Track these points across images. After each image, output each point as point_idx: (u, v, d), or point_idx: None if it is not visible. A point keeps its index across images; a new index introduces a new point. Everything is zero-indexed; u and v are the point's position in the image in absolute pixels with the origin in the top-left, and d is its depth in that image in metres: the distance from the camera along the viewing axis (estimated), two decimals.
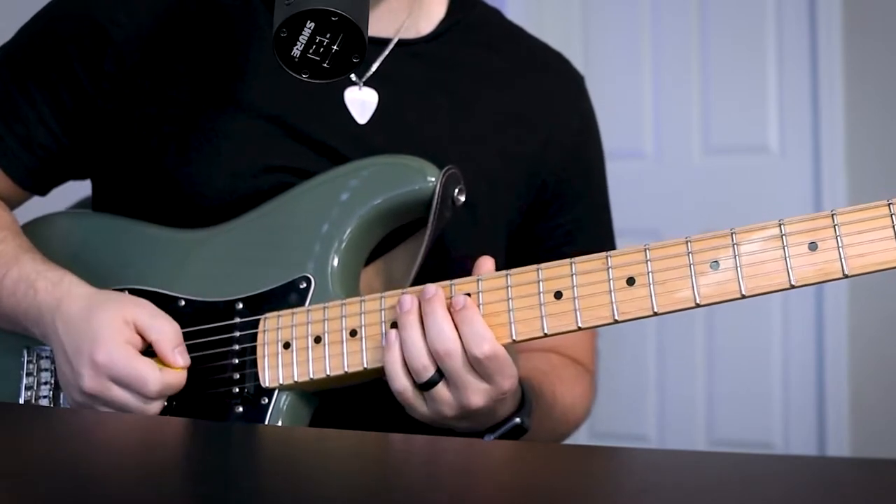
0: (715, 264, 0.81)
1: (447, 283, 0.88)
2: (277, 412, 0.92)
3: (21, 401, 1.00)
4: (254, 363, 0.93)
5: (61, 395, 0.99)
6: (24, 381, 1.00)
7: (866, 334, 2.51)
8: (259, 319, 0.94)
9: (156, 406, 0.91)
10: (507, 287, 0.86)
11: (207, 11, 1.03)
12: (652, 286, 0.82)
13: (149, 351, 0.92)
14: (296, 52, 0.82)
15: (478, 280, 0.87)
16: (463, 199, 0.96)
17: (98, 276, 0.98)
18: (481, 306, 0.87)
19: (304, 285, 0.94)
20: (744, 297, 0.80)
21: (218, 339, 0.95)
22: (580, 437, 2.75)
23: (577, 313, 0.84)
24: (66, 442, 0.69)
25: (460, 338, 0.85)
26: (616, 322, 0.83)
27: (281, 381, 0.92)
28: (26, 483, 0.54)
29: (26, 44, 1.05)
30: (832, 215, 0.79)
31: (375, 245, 0.98)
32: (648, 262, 0.83)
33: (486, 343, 0.84)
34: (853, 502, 0.51)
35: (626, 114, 2.75)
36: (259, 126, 0.99)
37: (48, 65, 1.02)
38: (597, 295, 0.84)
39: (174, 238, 1.00)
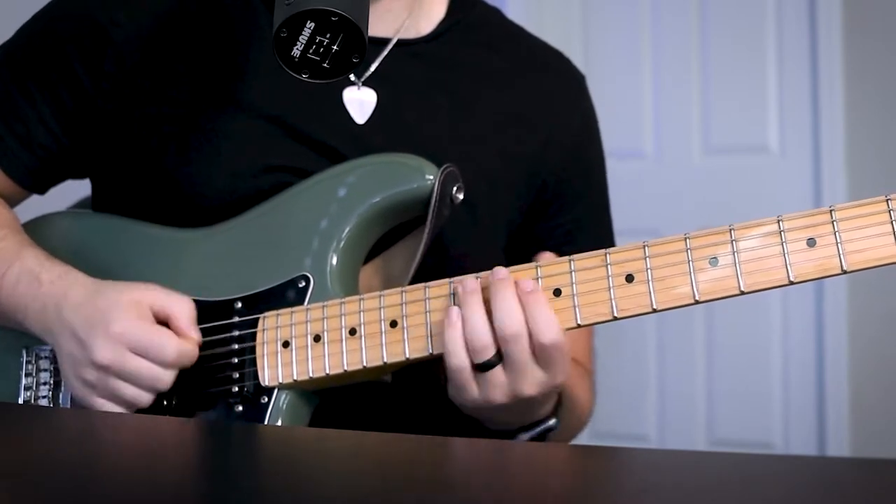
0: (714, 260, 0.81)
1: (446, 281, 0.88)
2: (277, 411, 0.92)
3: (20, 401, 1.00)
4: (253, 362, 0.93)
5: (61, 395, 0.99)
6: (24, 381, 1.00)
7: (866, 334, 2.51)
8: (258, 318, 0.94)
9: (170, 375, 0.90)
10: None
11: (208, 11, 1.03)
12: (651, 283, 0.82)
13: None
14: (296, 52, 0.82)
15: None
16: (461, 197, 0.96)
17: (97, 275, 0.98)
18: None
19: (303, 284, 0.94)
20: (743, 293, 0.80)
21: (217, 338, 0.95)
22: (580, 437, 2.75)
23: (577, 310, 0.84)
24: (66, 442, 0.69)
25: (527, 322, 0.84)
26: (615, 319, 0.83)
27: (280, 380, 0.92)
28: (26, 483, 0.54)
29: (26, 44, 1.05)
30: (830, 211, 0.79)
31: (374, 243, 0.98)
32: (647, 259, 0.83)
33: (553, 330, 0.84)
34: (853, 502, 0.50)
35: (626, 114, 2.75)
36: (259, 126, 0.99)
37: (48, 65, 1.02)
38: (596, 292, 0.84)
39: (173, 238, 1.00)
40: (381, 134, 1.01)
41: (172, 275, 0.98)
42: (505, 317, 0.84)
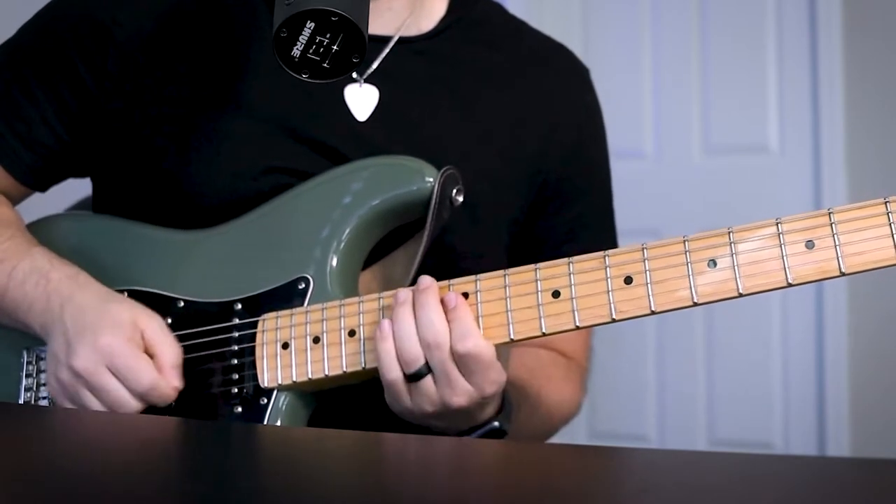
0: (712, 263, 0.81)
1: (446, 282, 0.88)
2: (276, 412, 0.92)
3: (20, 401, 1.00)
4: (253, 364, 0.93)
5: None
6: (24, 381, 1.00)
7: (866, 334, 2.51)
8: (258, 320, 0.94)
9: (136, 405, 0.91)
10: (506, 286, 0.86)
11: (208, 11, 1.03)
12: (650, 285, 0.82)
13: None
14: (296, 52, 0.82)
15: (476, 280, 0.87)
16: (461, 199, 0.96)
17: (98, 277, 0.98)
18: (480, 305, 0.87)
19: (303, 286, 0.94)
20: (741, 295, 0.80)
21: (217, 339, 0.95)
22: (580, 437, 2.76)
23: (575, 313, 0.84)
24: (66, 442, 0.69)
25: (450, 332, 0.85)
26: (614, 321, 0.83)
27: (280, 382, 0.92)
28: (26, 483, 0.54)
29: (28, 43, 1.05)
30: (829, 213, 0.79)
31: (374, 246, 0.98)
32: (646, 261, 0.83)
33: (471, 339, 0.85)
34: (853, 502, 0.51)
35: (626, 114, 2.75)
36: (259, 127, 0.99)
37: (51, 64, 1.02)
38: (595, 294, 0.84)
39: (173, 239, 1.00)
40: (383, 131, 1.01)
41: (172, 276, 0.98)
42: (427, 325, 0.85)
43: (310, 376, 0.91)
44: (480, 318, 0.86)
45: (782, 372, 2.63)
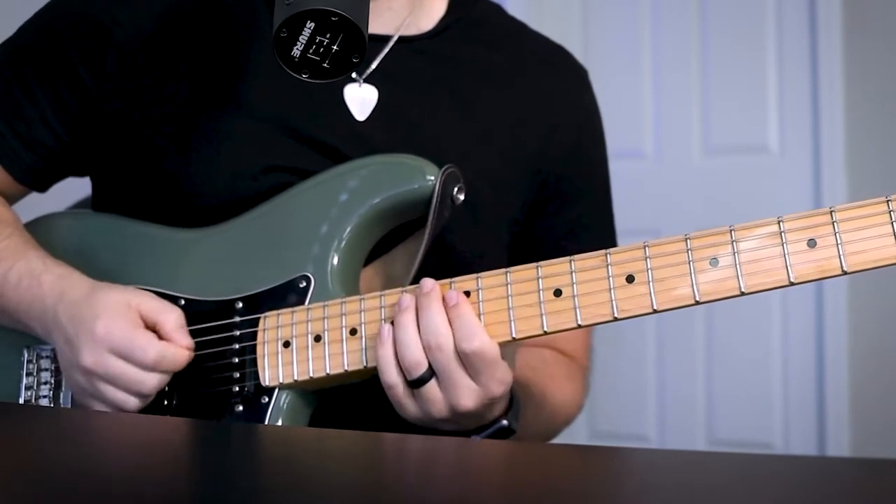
0: (714, 261, 0.81)
1: (447, 281, 0.88)
2: (277, 411, 0.92)
3: (21, 400, 1.00)
4: (254, 362, 0.93)
5: (61, 395, 0.99)
6: (24, 380, 1.00)
7: (866, 333, 2.51)
8: (259, 318, 0.94)
9: (153, 379, 0.90)
10: (507, 285, 0.86)
11: (208, 11, 1.03)
12: (651, 283, 0.82)
13: None
14: (296, 52, 0.82)
15: (477, 278, 0.87)
16: (462, 197, 0.96)
17: (98, 275, 0.98)
18: (481, 304, 0.87)
19: (304, 284, 0.94)
20: (743, 294, 0.80)
21: (218, 338, 0.95)
22: (580, 437, 2.76)
23: (577, 311, 0.84)
24: (66, 442, 0.69)
25: (453, 333, 0.85)
26: (616, 320, 0.83)
27: (281, 380, 0.92)
28: (26, 483, 0.54)
29: (28, 42, 1.05)
30: (831, 212, 0.79)
31: (375, 244, 0.98)
32: (648, 260, 0.83)
33: (476, 338, 0.84)
34: (853, 502, 0.50)
35: (626, 114, 2.75)
36: (259, 126, 0.99)
37: (50, 64, 1.02)
38: (596, 293, 0.84)
39: (174, 238, 1.00)
40: (382, 131, 1.01)
41: (173, 275, 0.98)
42: (430, 328, 0.85)
43: (311, 375, 0.91)
44: (482, 317, 0.86)
45: (782, 372, 2.63)
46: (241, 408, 0.93)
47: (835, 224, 0.78)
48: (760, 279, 0.80)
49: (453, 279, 0.88)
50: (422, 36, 1.06)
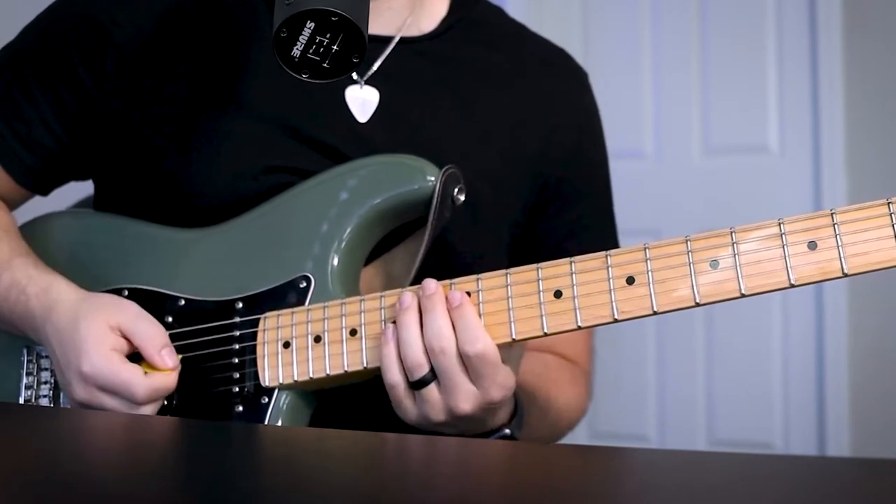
0: (714, 263, 0.81)
1: (447, 281, 0.88)
2: (277, 411, 0.92)
3: (21, 400, 1.00)
4: (254, 362, 0.93)
5: (61, 395, 0.99)
6: (24, 380, 1.00)
7: (866, 333, 2.51)
8: (259, 319, 0.94)
9: (148, 409, 0.91)
10: (507, 286, 0.86)
11: (208, 11, 1.03)
12: (651, 285, 0.82)
13: (138, 354, 0.92)
14: (296, 52, 0.82)
15: (477, 279, 0.87)
16: (463, 198, 0.95)
17: (98, 275, 0.98)
18: (481, 305, 0.87)
19: (304, 285, 0.94)
20: (743, 296, 0.80)
21: (218, 338, 0.95)
22: (580, 437, 2.76)
23: (577, 312, 0.84)
24: (66, 442, 0.69)
25: (456, 336, 0.85)
26: (616, 321, 0.83)
27: (281, 381, 0.92)
28: (26, 483, 0.54)
29: (28, 45, 1.05)
30: (831, 214, 0.79)
31: (375, 244, 0.98)
32: (648, 262, 0.83)
33: (479, 341, 0.84)
34: (853, 502, 0.51)
35: (626, 114, 2.75)
36: (260, 126, 0.99)
37: (50, 66, 1.02)
38: (596, 294, 0.84)
39: (174, 237, 1.00)
40: (383, 132, 1.01)
41: (173, 275, 0.98)
42: (433, 331, 0.85)
43: (311, 375, 0.91)
44: (482, 318, 0.86)
45: (782, 372, 2.63)
46: (240, 408, 0.93)
47: (836, 226, 0.78)
48: (761, 281, 0.80)
49: (453, 280, 0.88)
50: (423, 37, 1.06)
